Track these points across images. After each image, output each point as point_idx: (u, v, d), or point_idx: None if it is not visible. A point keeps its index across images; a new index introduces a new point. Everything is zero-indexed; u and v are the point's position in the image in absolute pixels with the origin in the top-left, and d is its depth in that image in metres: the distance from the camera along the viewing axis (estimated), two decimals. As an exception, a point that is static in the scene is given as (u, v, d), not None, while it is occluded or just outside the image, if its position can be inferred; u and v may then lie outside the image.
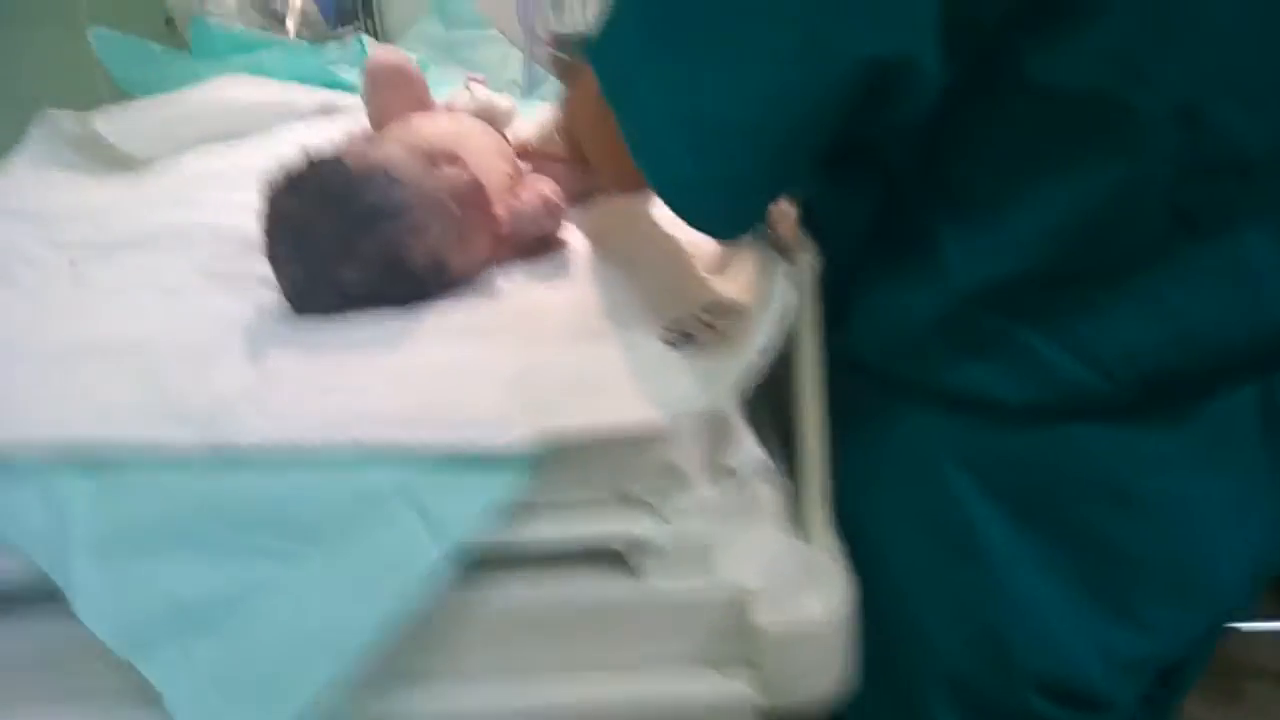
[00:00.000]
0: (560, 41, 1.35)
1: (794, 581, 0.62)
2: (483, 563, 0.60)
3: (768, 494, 0.64)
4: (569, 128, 0.77)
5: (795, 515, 0.66)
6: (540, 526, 0.62)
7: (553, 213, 0.78)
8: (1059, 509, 0.61)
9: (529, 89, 1.29)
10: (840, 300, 0.62)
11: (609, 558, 0.63)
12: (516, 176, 0.85)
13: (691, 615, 0.63)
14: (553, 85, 1.28)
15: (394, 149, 0.74)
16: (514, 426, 0.58)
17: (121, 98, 1.16)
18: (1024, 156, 0.54)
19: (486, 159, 0.82)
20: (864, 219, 0.61)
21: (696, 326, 0.65)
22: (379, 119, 0.91)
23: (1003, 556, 0.62)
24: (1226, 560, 0.63)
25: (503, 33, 1.33)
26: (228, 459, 0.60)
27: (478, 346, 0.66)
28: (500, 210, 0.78)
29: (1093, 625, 0.63)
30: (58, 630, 0.62)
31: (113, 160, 1.04)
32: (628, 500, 0.63)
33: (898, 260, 0.60)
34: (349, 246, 0.70)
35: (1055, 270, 0.55)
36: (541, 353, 0.63)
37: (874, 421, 0.65)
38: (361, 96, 0.92)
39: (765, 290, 0.58)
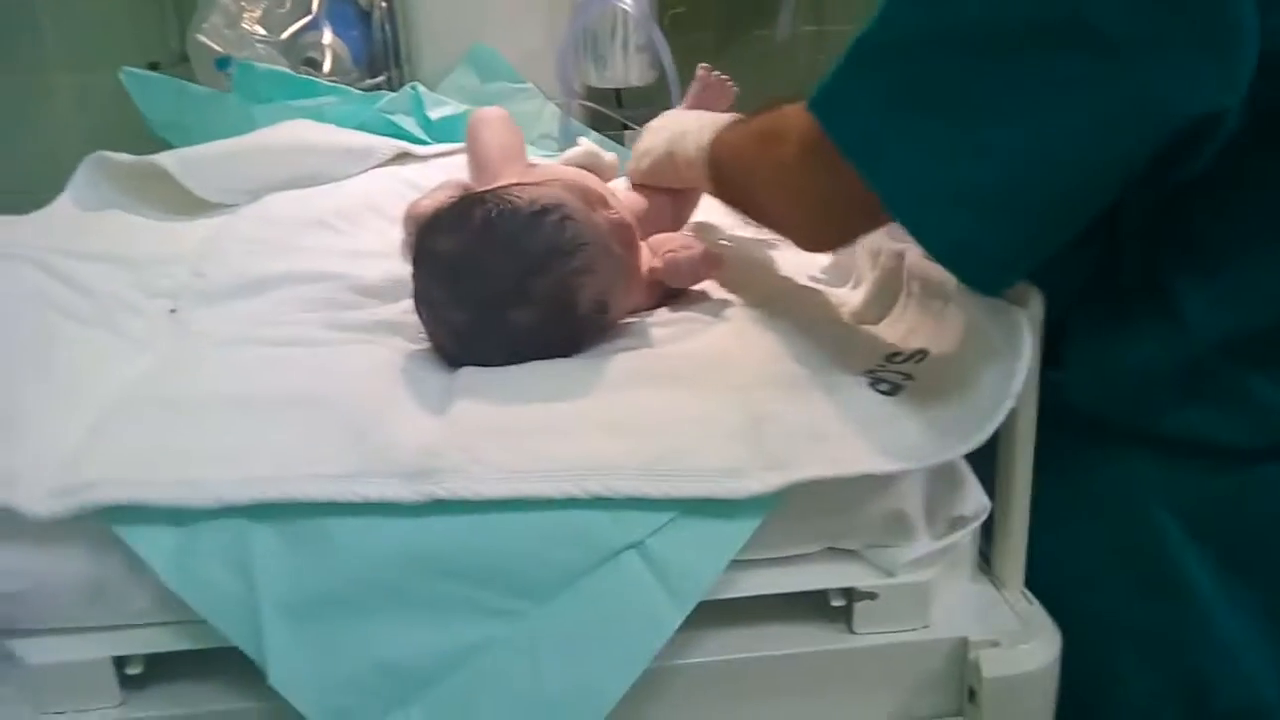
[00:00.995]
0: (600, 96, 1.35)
1: (1012, 631, 0.62)
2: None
3: (965, 539, 0.64)
4: (717, 158, 0.76)
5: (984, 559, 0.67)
6: (752, 579, 0.61)
7: (711, 263, 0.78)
8: (1261, 549, 0.63)
9: (565, 144, 1.28)
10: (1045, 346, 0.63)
11: (810, 612, 0.63)
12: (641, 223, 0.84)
13: (905, 667, 0.62)
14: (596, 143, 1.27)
15: (556, 188, 0.72)
16: (755, 476, 0.57)
17: (88, 144, 1.10)
18: (1273, 211, 0.56)
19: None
20: (1084, 269, 0.63)
21: (896, 377, 0.65)
22: (483, 167, 0.89)
23: (1206, 599, 0.63)
24: None
25: (538, 87, 1.33)
26: (441, 510, 0.57)
27: (678, 393, 0.64)
28: (658, 261, 0.77)
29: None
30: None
31: (169, 203, 0.99)
32: (839, 551, 0.62)
33: (1124, 310, 0.62)
34: (524, 288, 0.68)
35: None
36: (758, 401, 0.62)
37: (1076, 466, 0.65)
38: (468, 144, 0.90)
39: (999, 336, 0.59)
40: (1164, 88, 0.49)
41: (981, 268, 0.57)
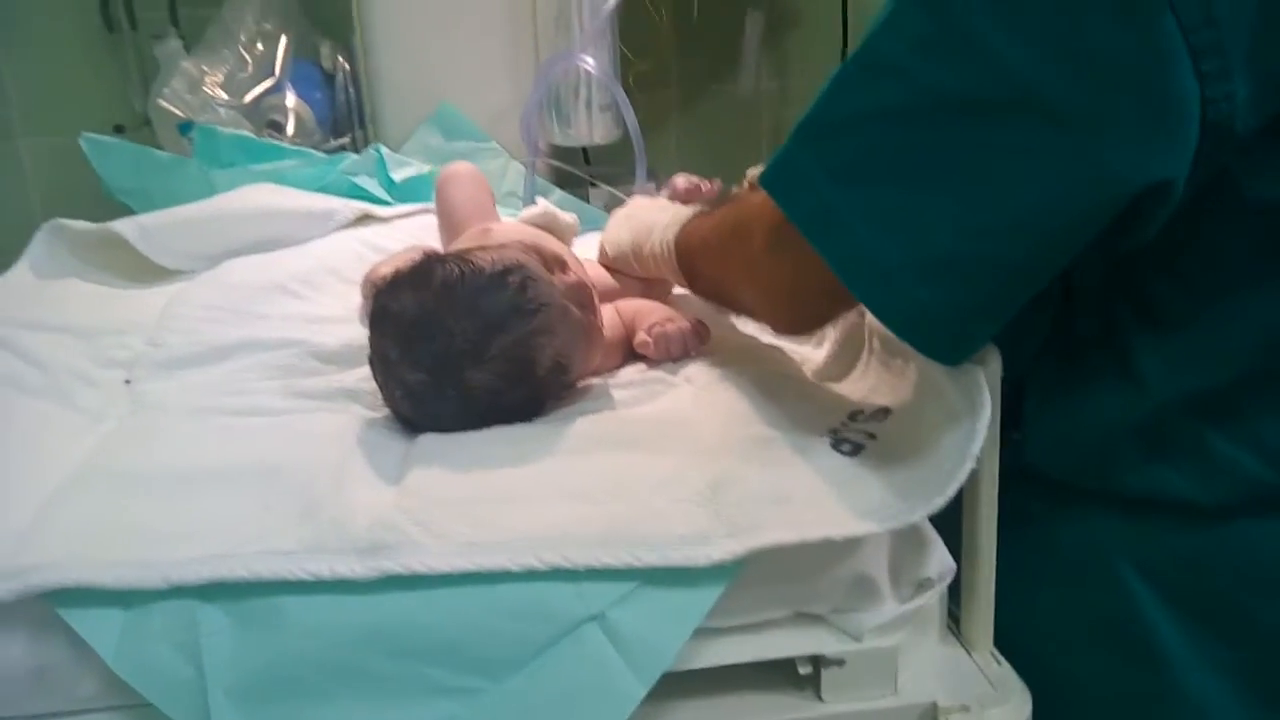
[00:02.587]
0: (562, 154, 1.36)
1: (982, 694, 0.61)
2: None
3: (932, 601, 0.63)
4: (686, 252, 0.76)
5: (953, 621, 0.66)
6: (717, 648, 0.59)
7: (702, 337, 0.78)
8: (1229, 606, 0.62)
9: (530, 202, 1.28)
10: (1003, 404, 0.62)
11: (777, 680, 0.62)
12: (605, 288, 0.84)
13: (874, 734, 0.61)
14: (561, 201, 1.27)
15: (516, 250, 0.72)
16: (717, 543, 0.56)
17: (53, 209, 1.09)
18: (1229, 270, 0.56)
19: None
20: (1040, 329, 0.63)
21: (859, 437, 0.64)
22: (450, 223, 0.89)
23: (1178, 659, 0.62)
24: None
25: (502, 145, 1.33)
26: (395, 586, 0.55)
27: (640, 458, 0.63)
28: (644, 335, 0.77)
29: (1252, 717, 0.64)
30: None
31: (127, 270, 0.98)
32: (806, 617, 0.61)
33: (1082, 369, 0.61)
34: (482, 348, 0.67)
35: (1246, 375, 0.58)
36: (720, 465, 0.61)
37: (1041, 525, 0.65)
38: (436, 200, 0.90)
39: (958, 395, 0.58)
40: (1113, 160, 0.49)
41: (938, 338, 0.56)
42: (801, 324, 0.70)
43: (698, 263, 0.75)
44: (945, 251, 0.53)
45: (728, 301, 0.75)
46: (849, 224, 0.55)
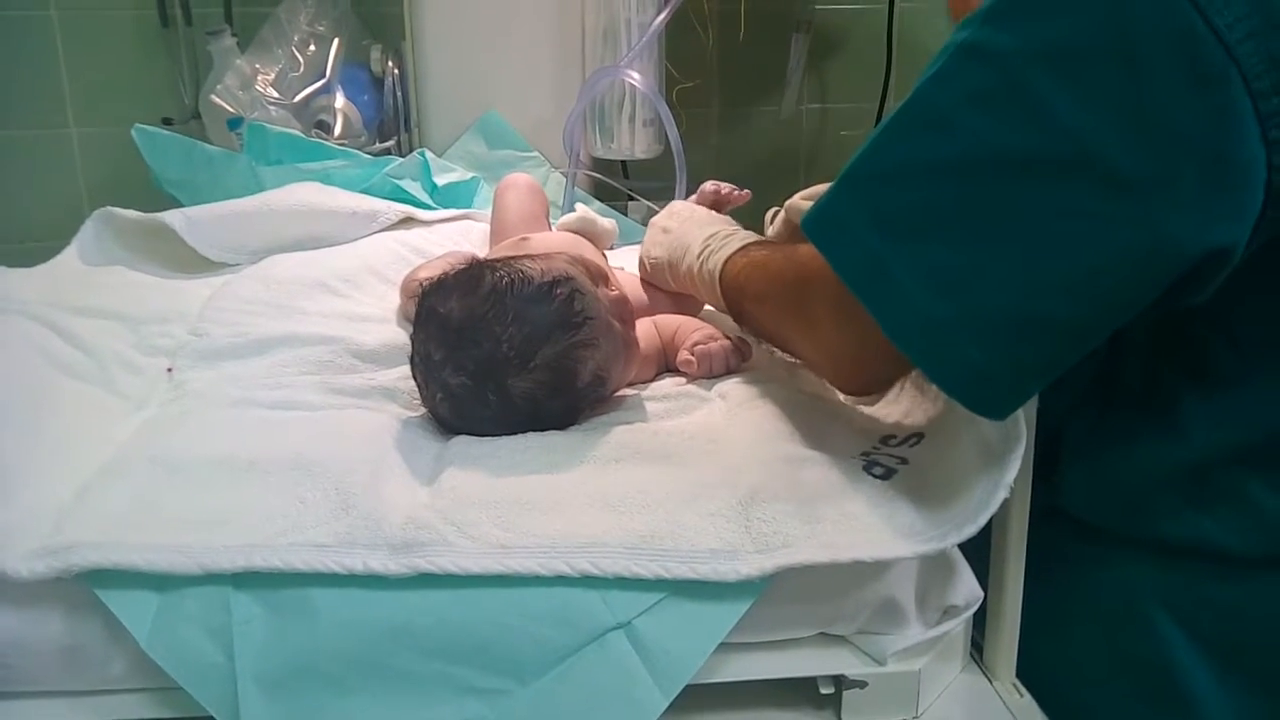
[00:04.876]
0: (604, 168, 1.37)
1: (1003, 725, 0.61)
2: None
3: (957, 629, 0.63)
4: (735, 290, 0.76)
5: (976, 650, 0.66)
6: (741, 663, 0.60)
7: (744, 354, 0.79)
8: (1263, 656, 0.62)
9: (569, 212, 1.29)
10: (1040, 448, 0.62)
11: (798, 698, 0.62)
12: (638, 301, 0.84)
13: (893, 759, 0.61)
14: (600, 212, 1.28)
15: (563, 262, 0.72)
16: (746, 558, 0.56)
17: (100, 199, 1.11)
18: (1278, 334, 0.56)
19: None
20: (1083, 378, 0.62)
21: (891, 461, 0.64)
22: (501, 230, 0.90)
23: (1207, 706, 0.62)
24: None
25: (544, 156, 1.34)
26: (426, 584, 0.56)
27: (671, 471, 0.64)
28: (686, 353, 0.78)
29: None
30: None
31: (173, 260, 1.00)
32: (830, 637, 0.61)
33: (1123, 418, 0.61)
34: (527, 356, 0.68)
35: None
36: (751, 481, 0.62)
37: (1073, 565, 0.65)
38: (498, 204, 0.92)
39: (993, 424, 0.58)
40: (1175, 226, 0.48)
41: (988, 397, 0.55)
42: (865, 387, 0.69)
43: (749, 307, 0.75)
44: (998, 311, 0.52)
45: (785, 349, 0.75)
46: (897, 278, 0.53)
